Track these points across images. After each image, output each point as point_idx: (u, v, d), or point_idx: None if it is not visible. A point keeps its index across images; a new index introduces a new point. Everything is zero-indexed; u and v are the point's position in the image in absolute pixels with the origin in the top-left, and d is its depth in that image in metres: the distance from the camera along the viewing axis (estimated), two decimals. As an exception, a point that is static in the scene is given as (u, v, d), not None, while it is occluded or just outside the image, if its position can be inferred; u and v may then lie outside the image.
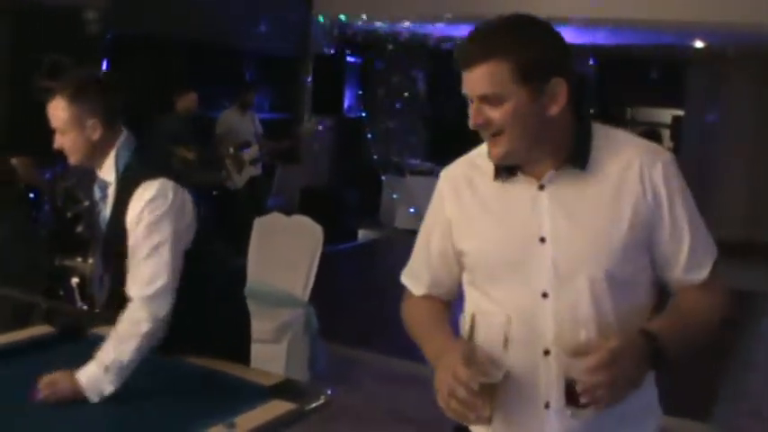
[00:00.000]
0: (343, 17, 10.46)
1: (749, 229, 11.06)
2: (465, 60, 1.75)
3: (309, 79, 11.01)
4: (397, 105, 13.17)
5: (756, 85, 11.59)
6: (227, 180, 8.22)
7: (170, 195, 2.55)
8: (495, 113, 1.74)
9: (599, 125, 1.88)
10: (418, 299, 2.07)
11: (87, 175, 2.81)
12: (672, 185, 1.81)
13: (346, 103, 12.02)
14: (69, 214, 5.70)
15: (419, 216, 2.08)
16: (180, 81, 8.01)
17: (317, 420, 2.49)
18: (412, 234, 2.09)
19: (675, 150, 11.15)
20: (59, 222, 5.72)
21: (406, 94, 13.22)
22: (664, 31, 9.56)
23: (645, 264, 1.84)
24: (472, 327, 1.69)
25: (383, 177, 11.76)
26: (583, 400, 1.62)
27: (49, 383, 2.39)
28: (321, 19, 10.63)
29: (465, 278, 1.99)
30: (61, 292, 5.56)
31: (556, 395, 1.77)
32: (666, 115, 13.66)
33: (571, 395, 1.64)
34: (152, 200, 2.53)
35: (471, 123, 1.78)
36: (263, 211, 6.84)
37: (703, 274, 1.86)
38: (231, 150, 8.16)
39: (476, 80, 1.74)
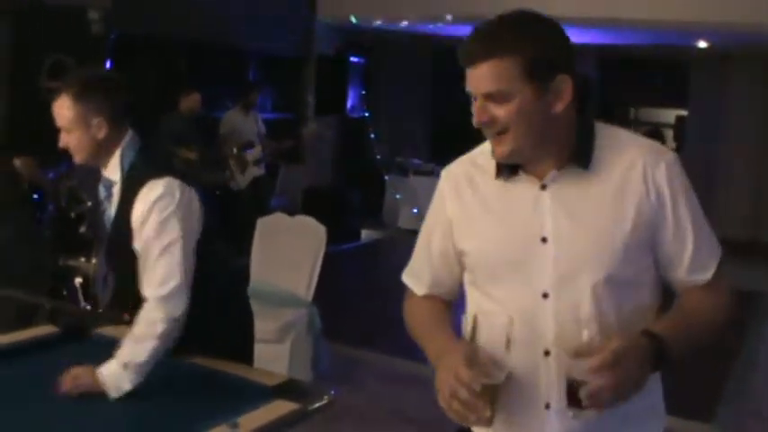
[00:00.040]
0: (346, 17, 10.47)
1: (753, 229, 11.05)
2: (470, 57, 1.73)
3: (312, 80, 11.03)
4: (400, 106, 13.18)
5: (760, 85, 11.58)
6: (230, 180, 8.24)
7: (177, 194, 2.56)
8: (500, 111, 1.72)
9: (602, 124, 1.87)
10: (419, 299, 2.06)
11: (91, 175, 2.81)
12: (675, 185, 1.79)
13: (349, 104, 12.02)
14: (73, 214, 5.71)
15: (422, 216, 2.07)
16: (183, 81, 8.03)
17: (321, 420, 2.49)
18: (415, 234, 2.08)
19: (679, 150, 11.12)
20: (63, 222, 5.73)
21: (409, 94, 13.23)
22: (667, 31, 9.56)
23: (648, 264, 1.83)
24: (474, 327, 1.68)
25: (386, 177, 11.76)
26: (585, 401, 1.60)
27: (73, 377, 2.43)
28: (324, 19, 10.63)
29: (466, 278, 1.98)
30: (65, 293, 5.56)
31: (556, 396, 1.76)
32: (670, 115, 13.65)
33: (573, 396, 1.63)
34: (159, 199, 2.53)
35: (475, 121, 1.76)
36: (266, 211, 6.84)
37: (708, 274, 1.84)
38: (234, 151, 8.17)
39: (481, 77, 1.71)
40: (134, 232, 2.57)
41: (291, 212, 5.53)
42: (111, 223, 2.72)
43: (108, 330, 3.01)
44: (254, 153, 8.34)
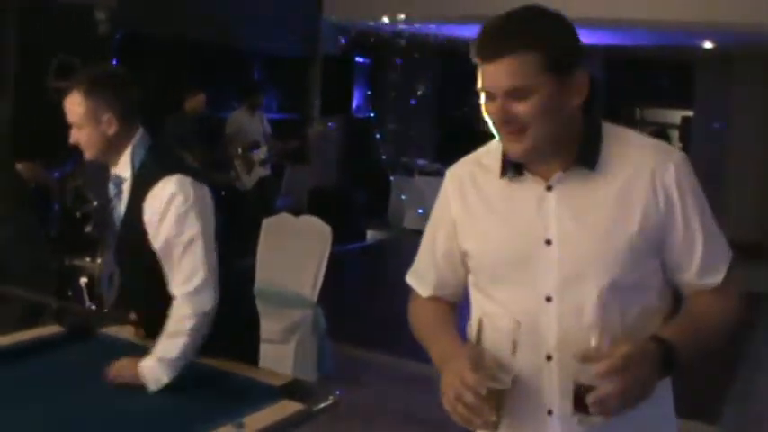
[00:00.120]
0: (351, 18, 10.47)
1: (759, 230, 11.00)
2: (491, 52, 1.66)
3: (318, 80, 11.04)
4: (406, 106, 13.17)
5: (765, 86, 11.54)
6: (235, 181, 8.24)
7: (190, 191, 2.58)
8: (521, 107, 1.66)
9: (609, 125, 1.83)
10: (424, 300, 2.04)
11: (99, 174, 2.82)
12: (684, 188, 1.75)
13: (355, 104, 12.02)
14: (78, 214, 5.72)
15: (427, 217, 2.06)
16: (188, 82, 8.03)
17: (326, 420, 2.49)
18: (420, 234, 2.07)
19: (684, 151, 11.05)
20: (68, 222, 5.73)
21: (414, 94, 13.22)
22: (673, 31, 9.54)
23: (654, 268, 1.79)
24: (480, 331, 1.67)
25: (392, 178, 11.77)
26: (592, 407, 1.57)
27: (117, 368, 2.52)
28: (330, 19, 10.63)
29: (470, 280, 1.96)
30: (70, 292, 5.57)
31: (558, 402, 1.75)
32: (675, 116, 13.63)
33: (580, 401, 1.60)
34: (174, 196, 2.55)
35: (495, 119, 1.70)
36: (271, 211, 6.84)
37: (718, 278, 1.80)
38: (240, 151, 8.17)
39: (503, 73, 1.65)
40: (149, 231, 2.58)
41: (297, 213, 5.53)
42: (120, 221, 2.73)
43: (113, 330, 3.02)
44: (259, 153, 8.34)
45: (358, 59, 12.01)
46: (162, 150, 2.78)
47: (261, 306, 3.04)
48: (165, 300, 2.59)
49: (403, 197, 11.40)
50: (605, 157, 1.77)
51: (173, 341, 2.52)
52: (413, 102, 13.18)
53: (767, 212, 11.36)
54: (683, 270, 1.80)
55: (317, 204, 9.78)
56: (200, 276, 2.54)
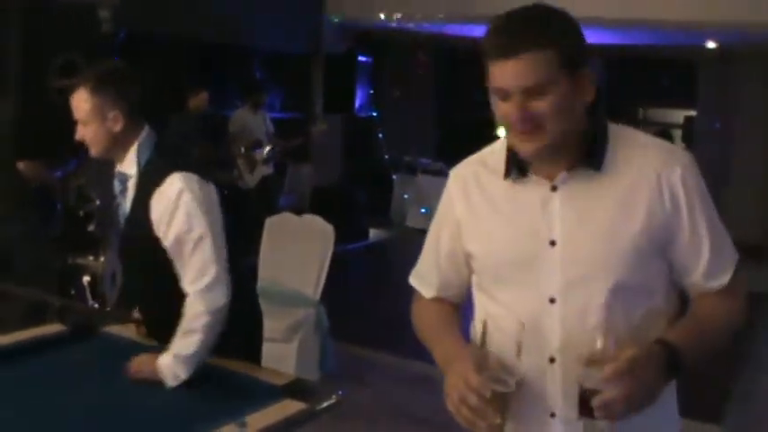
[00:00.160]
0: (354, 16, 10.46)
1: (762, 230, 10.98)
2: (509, 50, 1.63)
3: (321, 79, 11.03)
4: (409, 105, 13.17)
5: (768, 86, 11.54)
6: (238, 179, 8.23)
7: (196, 188, 2.58)
8: (538, 105, 1.64)
9: (615, 125, 1.82)
10: (427, 302, 2.03)
11: (102, 172, 2.83)
12: (691, 189, 1.74)
13: (357, 103, 12.02)
14: (81, 213, 5.72)
15: (430, 215, 2.05)
16: (191, 80, 8.02)
17: (328, 420, 2.49)
18: (423, 233, 2.07)
19: (687, 151, 11.07)
20: (71, 221, 5.74)
21: (417, 92, 13.22)
22: (675, 31, 9.52)
23: (660, 270, 1.78)
24: (484, 333, 1.66)
25: (394, 177, 11.75)
26: (597, 411, 1.56)
27: (137, 364, 2.54)
28: (333, 18, 10.63)
29: (473, 281, 1.95)
30: (72, 291, 5.58)
31: (561, 404, 1.74)
32: (678, 116, 13.61)
33: (585, 405, 1.58)
34: (182, 192, 2.56)
35: (511, 118, 1.67)
36: (274, 210, 6.84)
37: (724, 280, 1.79)
38: (243, 150, 8.16)
39: (521, 70, 1.63)
40: (159, 229, 2.58)
41: (299, 212, 5.53)
42: (124, 218, 2.73)
43: (115, 329, 3.02)
44: (262, 152, 8.34)
45: (361, 58, 12.01)
46: (168, 148, 2.79)
47: (264, 305, 3.04)
48: (167, 298, 2.59)
49: (405, 196, 11.39)
50: (611, 158, 1.76)
51: (188, 338, 2.53)
52: (415, 100, 13.18)
53: (768, 213, 11.35)
54: (690, 272, 1.79)
55: (320, 203, 9.76)
56: (211, 273, 2.55)
